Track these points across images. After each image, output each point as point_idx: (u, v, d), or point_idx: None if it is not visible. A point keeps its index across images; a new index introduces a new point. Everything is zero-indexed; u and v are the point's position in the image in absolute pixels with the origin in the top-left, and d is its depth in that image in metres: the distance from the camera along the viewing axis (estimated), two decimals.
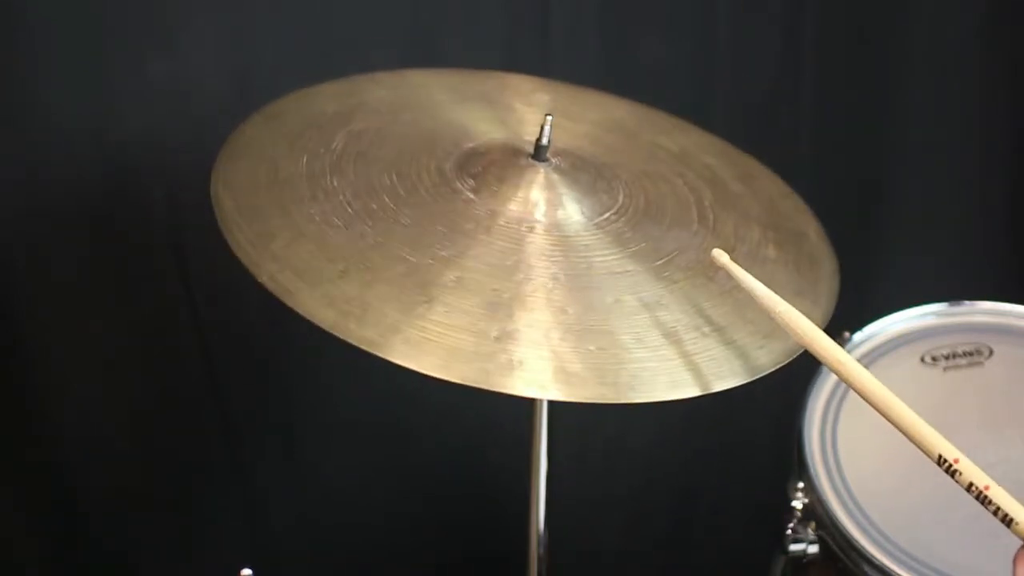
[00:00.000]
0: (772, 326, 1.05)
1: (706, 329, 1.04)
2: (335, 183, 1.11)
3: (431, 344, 0.97)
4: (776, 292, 1.04)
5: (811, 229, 1.23)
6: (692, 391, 1.00)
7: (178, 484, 1.77)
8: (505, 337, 0.98)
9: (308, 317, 0.98)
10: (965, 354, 1.42)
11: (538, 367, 0.97)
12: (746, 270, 1.06)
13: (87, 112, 1.53)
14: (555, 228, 1.09)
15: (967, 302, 1.48)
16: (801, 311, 1.06)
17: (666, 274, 1.08)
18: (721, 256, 1.02)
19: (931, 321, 1.46)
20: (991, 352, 1.42)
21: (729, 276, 1.02)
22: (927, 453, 0.91)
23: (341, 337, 0.96)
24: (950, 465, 0.91)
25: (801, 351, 1.04)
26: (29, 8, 1.46)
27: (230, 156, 1.15)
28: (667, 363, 1.01)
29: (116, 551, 1.78)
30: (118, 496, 1.74)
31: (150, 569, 1.80)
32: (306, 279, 1.01)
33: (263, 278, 1.01)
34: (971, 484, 0.90)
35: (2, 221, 1.56)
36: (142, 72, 1.52)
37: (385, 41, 1.59)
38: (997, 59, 1.85)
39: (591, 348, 1.00)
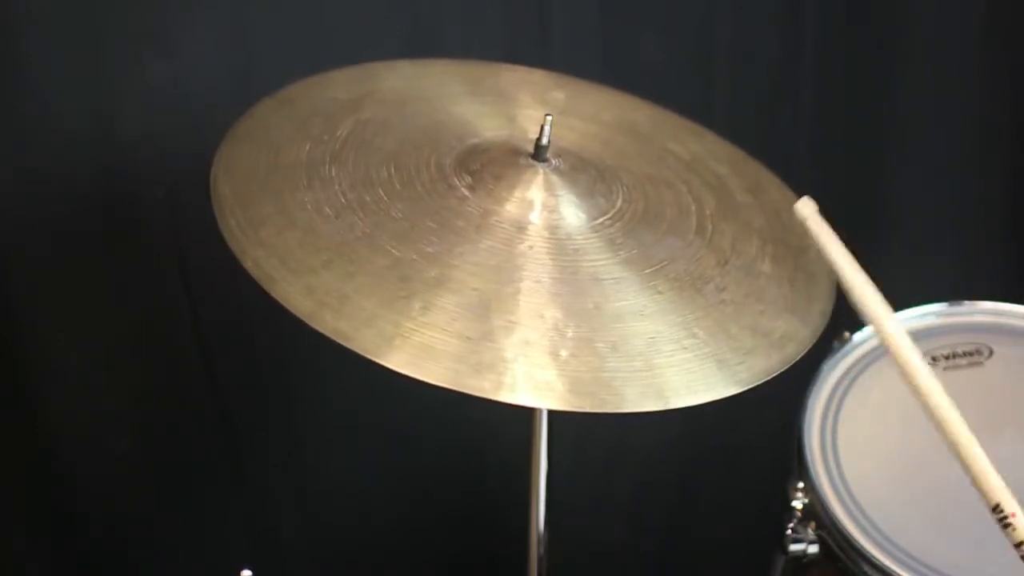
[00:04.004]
0: (754, 343, 1.04)
1: (686, 342, 1.03)
2: (333, 172, 1.10)
3: (402, 340, 0.97)
4: (765, 307, 1.04)
5: (813, 245, 1.22)
6: (661, 404, 0.99)
7: (178, 484, 1.76)
8: (478, 338, 0.98)
9: (286, 305, 0.98)
10: (965, 354, 1.42)
11: (507, 370, 0.97)
12: (737, 283, 1.05)
13: (87, 112, 1.53)
14: (546, 230, 1.08)
15: (967, 302, 1.48)
16: (789, 328, 1.05)
17: (652, 283, 1.07)
18: (806, 207, 0.97)
19: (931, 321, 1.46)
20: (991, 352, 1.42)
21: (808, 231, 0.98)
22: (986, 498, 0.89)
23: (316, 328, 0.96)
24: (1004, 517, 0.89)
25: (781, 369, 1.04)
26: (29, 8, 1.46)
27: (235, 140, 1.15)
28: (640, 373, 1.00)
29: (116, 551, 1.78)
30: (118, 496, 1.74)
31: (150, 569, 1.80)
32: (290, 267, 1.01)
33: (247, 263, 1.01)
34: (1022, 543, 0.88)
35: (1, 220, 1.56)
36: (142, 72, 1.52)
37: (385, 42, 1.59)
38: (997, 59, 1.85)
39: (562, 354, 0.99)
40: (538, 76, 1.34)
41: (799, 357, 1.08)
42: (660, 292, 1.07)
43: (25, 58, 1.48)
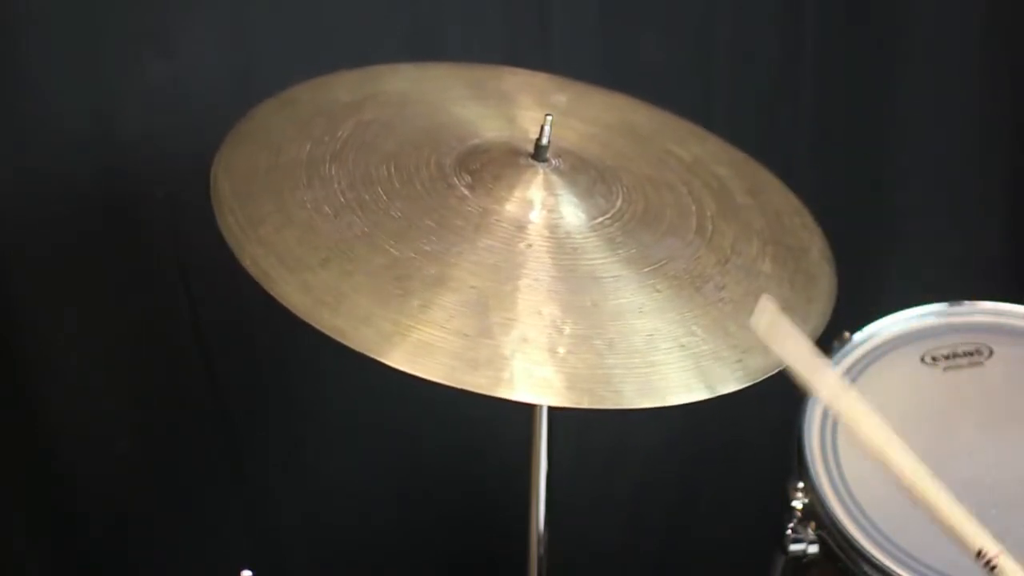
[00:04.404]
0: (752, 341, 1.04)
1: (684, 340, 1.03)
2: (333, 171, 1.11)
3: (401, 338, 0.97)
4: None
5: (815, 247, 1.21)
6: (658, 401, 0.99)
7: (178, 484, 1.76)
8: (476, 335, 0.98)
9: (283, 303, 0.98)
10: (965, 354, 1.42)
11: (504, 367, 0.97)
12: (737, 283, 1.05)
13: (87, 112, 1.53)
14: (546, 229, 1.09)
15: (967, 302, 1.48)
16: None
17: (651, 282, 1.07)
18: (767, 307, 0.93)
19: (931, 321, 1.45)
20: (991, 352, 1.42)
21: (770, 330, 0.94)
22: (965, 547, 0.88)
23: (313, 325, 0.97)
24: (989, 561, 0.87)
25: (779, 368, 1.04)
26: (29, 8, 1.46)
27: (236, 139, 1.15)
28: (637, 371, 1.00)
29: (116, 551, 1.78)
30: (118, 496, 1.74)
31: (150, 569, 1.80)
32: (288, 265, 1.01)
33: (245, 261, 1.01)
34: None
35: (1, 220, 1.56)
36: (142, 72, 1.51)
37: (384, 42, 1.59)
38: (997, 59, 1.85)
39: (560, 351, 0.99)
40: (541, 79, 1.34)
41: None
42: (658, 291, 1.07)
43: (25, 58, 1.48)
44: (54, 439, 1.69)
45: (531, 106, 1.26)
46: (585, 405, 0.98)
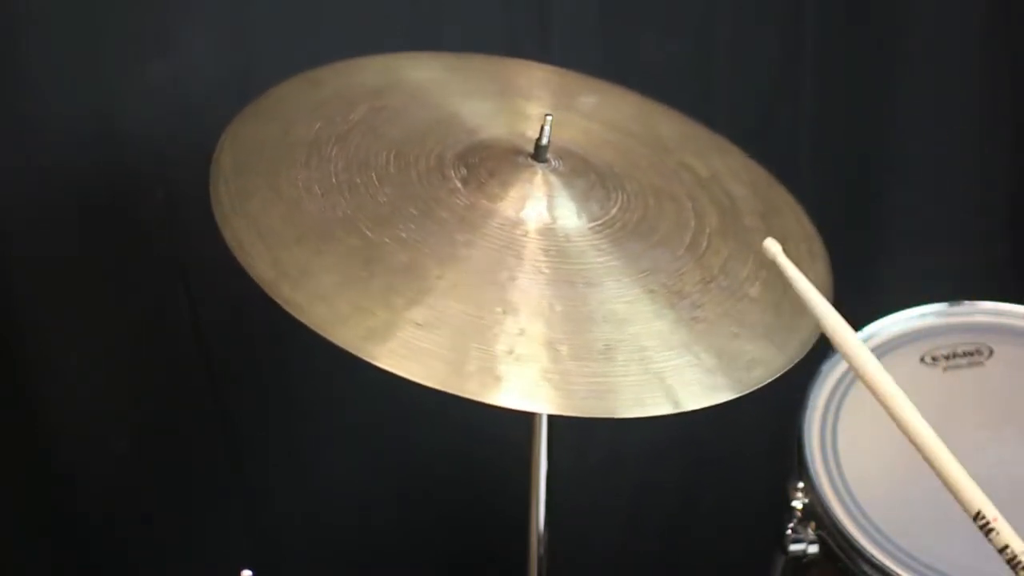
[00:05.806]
0: (716, 363, 1.02)
1: (645, 353, 1.01)
2: (334, 153, 1.11)
3: (355, 319, 0.97)
4: (741, 331, 1.02)
5: (815, 276, 1.17)
6: (604, 412, 0.98)
7: (178, 484, 1.76)
8: (428, 325, 0.97)
9: (250, 274, 0.99)
10: (965, 354, 1.42)
11: (451, 360, 0.96)
12: (717, 303, 1.04)
13: (87, 112, 1.53)
14: (530, 229, 1.08)
15: (967, 302, 1.48)
16: (760, 354, 1.04)
17: (624, 293, 1.06)
18: (773, 247, 0.94)
19: (931, 321, 1.46)
20: (991, 352, 1.42)
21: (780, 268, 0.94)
22: (965, 507, 0.89)
23: (273, 298, 0.97)
24: (987, 523, 0.88)
25: (737, 395, 1.02)
26: (29, 8, 1.46)
27: (251, 114, 1.16)
28: (587, 379, 0.98)
29: (116, 551, 1.78)
30: (118, 496, 1.74)
31: (150, 569, 1.80)
32: (266, 241, 1.01)
33: (227, 233, 1.02)
34: (1006, 546, 0.87)
35: (1, 220, 1.56)
36: (142, 72, 1.52)
37: (385, 42, 1.58)
38: (997, 59, 1.85)
39: (511, 351, 0.98)
40: (573, 79, 1.33)
41: (763, 384, 1.05)
42: (629, 302, 1.05)
43: (25, 58, 1.48)
44: (54, 439, 1.69)
45: (556, 106, 1.25)
46: (529, 408, 0.97)
